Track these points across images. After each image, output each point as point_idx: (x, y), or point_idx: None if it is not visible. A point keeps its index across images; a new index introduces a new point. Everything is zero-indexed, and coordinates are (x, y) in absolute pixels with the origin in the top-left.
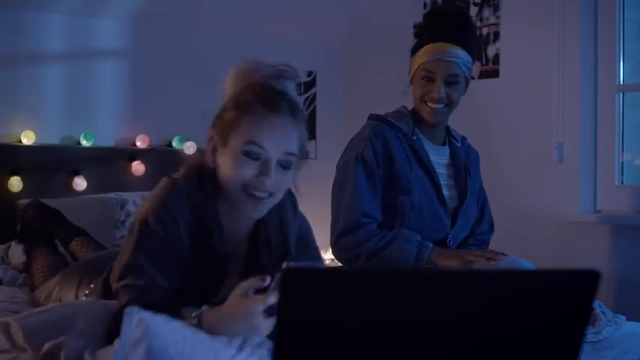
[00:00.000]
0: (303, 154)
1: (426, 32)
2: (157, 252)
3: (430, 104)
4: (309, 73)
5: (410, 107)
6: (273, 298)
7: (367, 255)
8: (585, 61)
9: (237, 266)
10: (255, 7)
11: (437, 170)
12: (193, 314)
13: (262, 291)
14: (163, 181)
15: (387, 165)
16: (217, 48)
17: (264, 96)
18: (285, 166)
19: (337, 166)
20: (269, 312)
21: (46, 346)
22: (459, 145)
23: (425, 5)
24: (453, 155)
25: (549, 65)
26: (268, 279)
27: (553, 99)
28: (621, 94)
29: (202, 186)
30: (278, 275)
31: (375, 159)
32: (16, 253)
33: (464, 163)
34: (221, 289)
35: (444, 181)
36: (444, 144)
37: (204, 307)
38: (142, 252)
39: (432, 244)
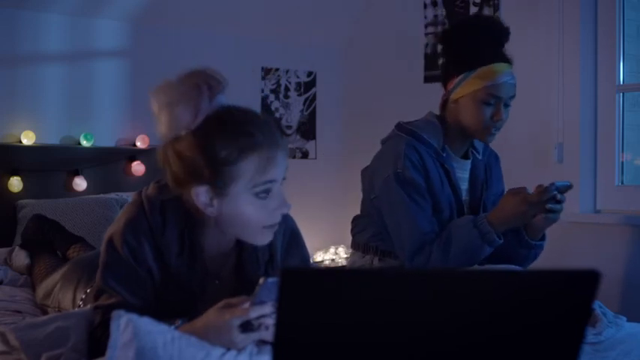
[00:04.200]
0: None
1: (488, 51)
2: (124, 275)
3: (494, 127)
4: (309, 73)
5: (436, 111)
6: (252, 314)
7: (441, 264)
8: (585, 61)
9: (226, 284)
10: (256, 8)
11: (461, 187)
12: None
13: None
14: (133, 199)
15: (424, 180)
16: (217, 48)
17: (264, 134)
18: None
19: (370, 176)
20: (245, 327)
21: (44, 356)
22: (480, 157)
23: (425, 6)
24: (473, 169)
25: (549, 65)
26: (249, 303)
27: (553, 99)
28: (621, 94)
29: (164, 211)
30: (258, 288)
31: (418, 174)
32: (20, 256)
33: (482, 180)
34: (199, 309)
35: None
36: (465, 156)
37: (179, 321)
38: (110, 274)
39: (482, 215)
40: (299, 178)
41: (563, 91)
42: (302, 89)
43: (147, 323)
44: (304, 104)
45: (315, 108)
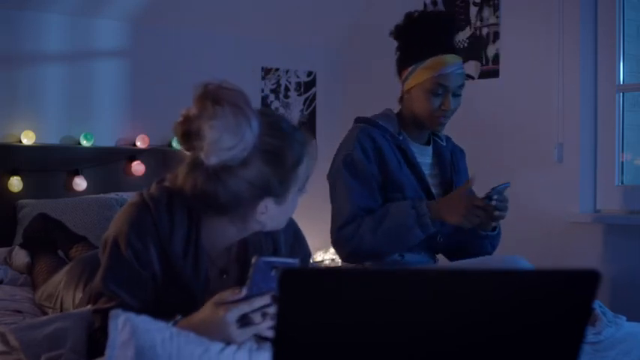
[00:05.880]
0: None
1: (435, 43)
2: (126, 277)
3: (442, 117)
4: (309, 73)
5: (395, 109)
6: (247, 307)
7: (369, 237)
8: (585, 61)
9: (233, 278)
10: (256, 8)
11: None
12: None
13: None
14: (134, 200)
15: (379, 163)
16: (217, 48)
17: (302, 131)
18: None
19: (328, 175)
20: (243, 321)
21: (44, 357)
22: (444, 144)
23: (425, 5)
24: (438, 154)
25: (549, 65)
26: (245, 290)
27: (553, 99)
28: (621, 94)
29: (171, 211)
30: (251, 270)
31: (364, 157)
32: (20, 254)
33: (449, 162)
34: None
35: (430, 181)
36: (427, 143)
37: (179, 317)
38: (111, 277)
39: (424, 199)
40: None
41: (563, 91)
42: (302, 89)
43: (145, 321)
44: (304, 104)
45: (315, 108)
